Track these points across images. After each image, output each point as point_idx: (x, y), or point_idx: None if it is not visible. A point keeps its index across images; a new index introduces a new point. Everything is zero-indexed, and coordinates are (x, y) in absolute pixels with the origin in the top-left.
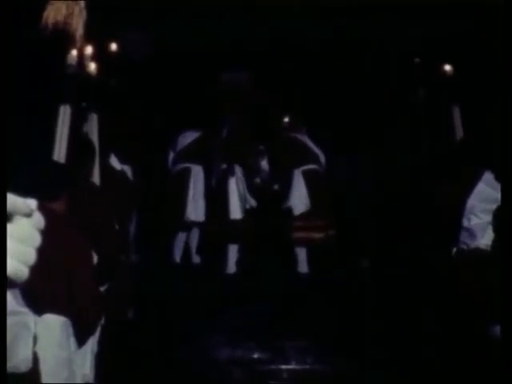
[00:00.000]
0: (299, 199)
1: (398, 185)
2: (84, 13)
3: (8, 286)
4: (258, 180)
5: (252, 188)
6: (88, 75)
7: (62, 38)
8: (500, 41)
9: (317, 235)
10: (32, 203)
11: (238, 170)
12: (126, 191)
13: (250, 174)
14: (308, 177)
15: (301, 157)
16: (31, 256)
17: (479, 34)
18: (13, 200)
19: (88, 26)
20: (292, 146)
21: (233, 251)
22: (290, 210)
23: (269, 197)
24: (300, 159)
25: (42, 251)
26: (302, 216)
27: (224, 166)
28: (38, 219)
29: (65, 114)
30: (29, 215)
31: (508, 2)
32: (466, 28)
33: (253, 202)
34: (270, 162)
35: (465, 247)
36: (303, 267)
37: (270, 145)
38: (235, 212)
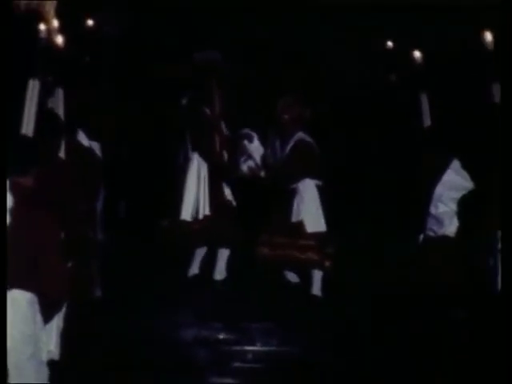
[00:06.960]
0: (315, 217)
1: (369, 171)
2: None
3: None
4: (246, 170)
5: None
6: (59, 49)
7: (33, 15)
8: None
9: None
10: None
11: (200, 158)
12: (94, 168)
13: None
14: (321, 194)
15: (313, 166)
16: None
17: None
18: None
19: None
20: (301, 149)
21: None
22: (300, 225)
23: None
24: (312, 169)
25: (9, 227)
26: (312, 235)
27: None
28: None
29: (33, 88)
30: None
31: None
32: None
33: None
34: (274, 157)
35: (432, 234)
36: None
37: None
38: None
